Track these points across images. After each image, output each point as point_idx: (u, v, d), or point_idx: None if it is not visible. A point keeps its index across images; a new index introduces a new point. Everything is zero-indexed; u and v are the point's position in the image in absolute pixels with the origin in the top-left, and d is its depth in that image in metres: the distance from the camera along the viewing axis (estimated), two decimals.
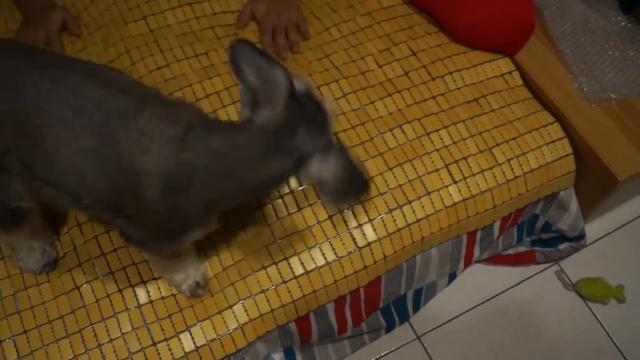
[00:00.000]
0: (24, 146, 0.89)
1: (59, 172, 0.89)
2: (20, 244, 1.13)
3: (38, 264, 1.16)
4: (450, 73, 1.44)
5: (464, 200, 1.30)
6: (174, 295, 1.17)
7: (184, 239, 0.99)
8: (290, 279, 1.19)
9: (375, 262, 1.24)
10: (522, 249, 1.64)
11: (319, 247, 1.21)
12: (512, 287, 1.62)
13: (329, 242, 1.22)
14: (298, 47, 1.45)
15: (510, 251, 1.64)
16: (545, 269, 1.66)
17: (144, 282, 1.18)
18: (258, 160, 0.88)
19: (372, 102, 1.38)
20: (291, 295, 1.19)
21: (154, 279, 1.18)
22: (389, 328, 1.48)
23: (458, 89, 1.43)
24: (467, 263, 1.48)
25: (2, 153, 0.91)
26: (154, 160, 0.86)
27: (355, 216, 1.24)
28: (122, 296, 1.16)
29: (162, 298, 1.17)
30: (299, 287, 1.19)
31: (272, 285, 1.19)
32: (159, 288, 1.18)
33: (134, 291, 1.17)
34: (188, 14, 1.47)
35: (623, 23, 1.59)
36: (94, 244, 1.20)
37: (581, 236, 1.59)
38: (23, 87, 0.87)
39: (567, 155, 1.42)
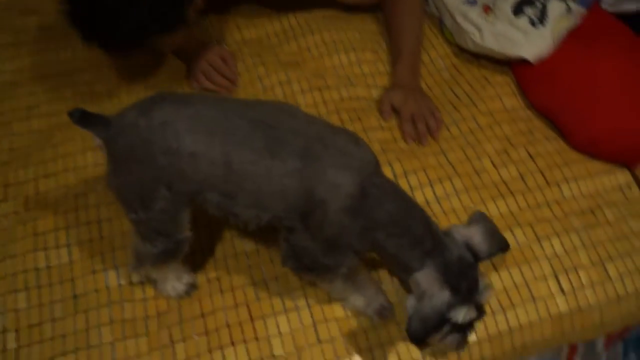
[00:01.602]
0: (231, 182, 1.02)
1: (266, 194, 1.03)
2: (166, 275, 1.23)
3: (185, 289, 1.26)
4: (567, 181, 1.45)
5: (571, 312, 1.28)
6: None
7: (342, 260, 1.09)
8: None
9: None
10: None
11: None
12: None
13: None
14: (439, 134, 1.52)
15: None
16: None
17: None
18: (419, 236, 1.03)
19: (484, 202, 1.40)
20: None
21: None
22: None
23: (573, 197, 1.43)
24: None
25: (205, 190, 1.04)
26: (355, 174, 1.01)
27: None
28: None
29: None
30: None
31: None
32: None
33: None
34: (317, 97, 1.58)
35: None
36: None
37: None
38: (228, 132, 1.01)
39: None
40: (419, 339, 1.01)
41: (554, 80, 1.53)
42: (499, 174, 1.46)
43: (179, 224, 1.12)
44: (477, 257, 1.06)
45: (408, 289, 1.15)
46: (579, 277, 1.31)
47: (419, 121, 1.51)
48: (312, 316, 1.24)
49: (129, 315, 1.24)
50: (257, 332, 1.22)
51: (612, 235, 1.38)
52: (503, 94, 1.61)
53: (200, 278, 1.29)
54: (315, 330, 1.23)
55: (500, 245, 1.10)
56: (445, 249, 1.03)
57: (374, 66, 1.67)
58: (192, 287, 1.27)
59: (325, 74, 1.63)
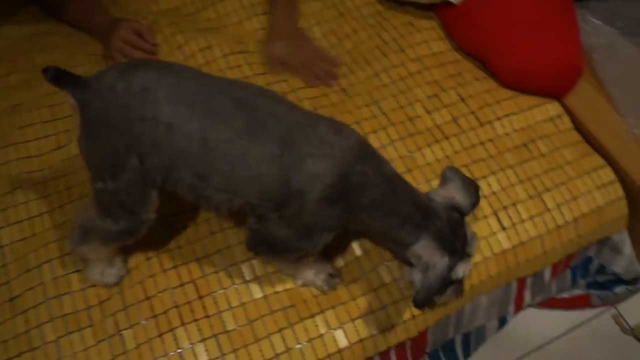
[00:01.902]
0: (205, 161, 0.99)
1: (240, 177, 1.00)
2: (102, 258, 1.19)
3: (115, 277, 1.22)
4: (499, 118, 1.46)
5: (514, 247, 1.30)
6: None
7: (319, 241, 1.09)
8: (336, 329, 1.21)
9: (423, 312, 1.24)
10: (577, 292, 1.62)
11: (366, 295, 1.23)
12: (567, 332, 1.59)
13: (376, 291, 1.24)
14: (337, 71, 1.52)
15: (565, 294, 1.61)
16: (602, 313, 1.63)
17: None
18: (407, 215, 1.05)
19: (420, 149, 1.40)
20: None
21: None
22: None
23: (507, 134, 1.44)
24: (518, 307, 1.47)
25: (177, 167, 1.00)
26: (335, 164, 1.00)
27: (401, 266, 1.26)
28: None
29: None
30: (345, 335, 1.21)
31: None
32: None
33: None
34: (240, 60, 1.54)
35: None
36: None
37: (637, 279, 1.56)
38: (210, 109, 0.98)
39: (618, 199, 1.40)
40: (425, 306, 1.06)
41: (477, 20, 1.52)
42: (432, 119, 1.45)
43: (146, 202, 1.07)
44: (462, 213, 1.09)
45: (401, 259, 1.20)
46: (518, 211, 1.33)
47: (313, 65, 1.50)
48: (261, 288, 1.23)
49: (69, 309, 1.20)
50: (207, 309, 1.21)
51: (546, 166, 1.39)
52: (430, 38, 1.60)
53: (138, 258, 1.26)
54: (267, 301, 1.22)
55: (477, 192, 1.14)
56: (435, 217, 1.05)
57: None
58: (122, 278, 1.23)
59: (247, 38, 1.59)
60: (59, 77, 1.00)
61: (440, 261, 1.02)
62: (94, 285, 1.22)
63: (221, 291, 1.23)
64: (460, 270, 1.07)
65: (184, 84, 1.00)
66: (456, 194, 1.10)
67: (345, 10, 1.65)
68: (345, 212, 1.03)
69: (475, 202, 1.12)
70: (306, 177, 0.99)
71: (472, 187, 1.12)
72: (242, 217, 1.16)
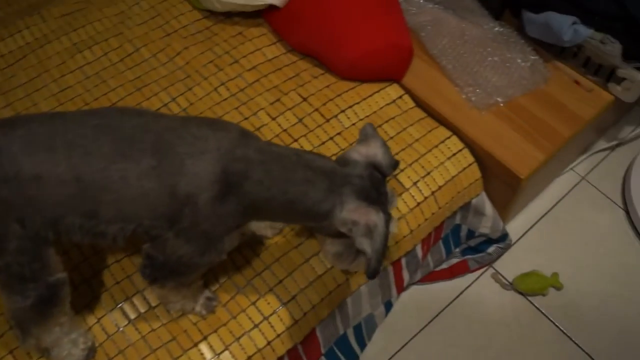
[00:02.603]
0: (88, 198, 0.92)
1: (128, 201, 0.94)
2: (59, 338, 1.08)
3: (82, 353, 1.12)
4: (343, 111, 1.47)
5: None
6: None
7: (224, 247, 1.03)
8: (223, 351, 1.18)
9: (305, 313, 1.23)
10: (454, 260, 1.67)
11: (246, 311, 1.21)
12: (453, 300, 1.64)
13: (254, 304, 1.22)
14: None
15: (444, 265, 1.66)
16: (481, 275, 1.69)
17: None
18: (305, 181, 0.97)
19: None
20: None
21: None
22: None
23: (353, 124, 1.46)
24: (400, 289, 1.49)
25: (63, 215, 0.93)
26: (213, 158, 0.94)
27: (274, 273, 1.24)
28: None
29: None
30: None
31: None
32: None
33: None
34: None
35: (496, 29, 1.66)
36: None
37: (505, 236, 1.63)
38: (72, 144, 0.92)
39: (470, 165, 1.46)
40: (377, 272, 0.97)
41: (303, 18, 1.54)
42: (278, 124, 1.45)
43: (45, 263, 0.98)
44: (382, 173, 1.03)
45: (325, 237, 1.08)
46: None
47: None
48: (137, 330, 1.17)
49: None
50: None
51: (397, 148, 1.43)
52: (262, 45, 1.60)
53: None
54: (146, 341, 1.16)
55: (393, 156, 1.07)
56: (354, 177, 0.98)
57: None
58: (92, 350, 1.14)
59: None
60: None
61: (379, 219, 0.95)
62: None
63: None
64: (394, 226, 1.02)
65: (36, 131, 0.93)
66: (378, 151, 1.03)
67: (172, 30, 1.62)
68: (240, 204, 0.97)
69: (395, 163, 1.07)
70: (189, 179, 0.94)
71: (389, 149, 1.06)
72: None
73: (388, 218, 0.97)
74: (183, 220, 0.96)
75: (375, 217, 0.95)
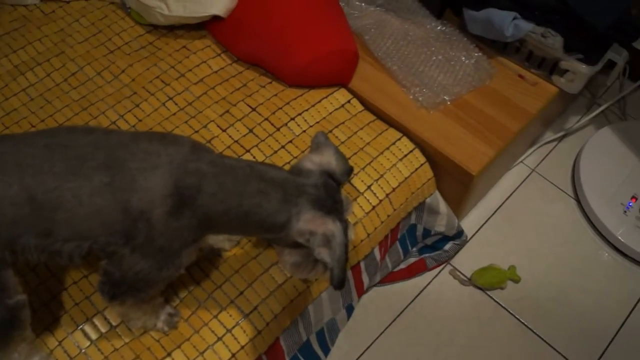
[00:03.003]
0: (42, 217, 0.91)
1: (82, 219, 0.93)
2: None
3: None
4: (293, 119, 1.47)
5: None
6: None
7: (181, 262, 1.01)
8: None
9: (267, 323, 1.23)
10: (412, 260, 1.68)
11: (209, 325, 1.19)
12: (413, 300, 1.65)
13: (216, 317, 1.20)
14: None
15: (402, 265, 1.67)
16: (439, 272, 1.71)
17: None
18: (259, 193, 0.96)
19: None
20: None
21: None
22: None
23: (304, 131, 1.46)
24: (360, 292, 1.50)
25: (17, 236, 0.92)
26: (165, 172, 0.93)
27: (234, 285, 1.23)
28: None
29: None
30: None
31: None
32: None
33: None
34: None
35: (439, 28, 1.68)
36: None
37: (460, 232, 1.65)
38: (23, 165, 0.91)
39: (422, 165, 1.47)
40: (344, 282, 0.97)
41: (247, 28, 1.53)
42: (229, 135, 1.44)
43: (4, 285, 0.96)
44: (337, 180, 1.02)
45: (283, 247, 1.07)
46: None
47: None
48: (100, 350, 1.15)
49: None
50: None
51: (349, 153, 1.43)
52: (207, 57, 1.59)
53: None
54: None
55: (347, 162, 1.07)
56: (309, 187, 0.97)
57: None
58: None
59: None
60: None
61: (336, 228, 0.95)
62: None
63: None
64: (352, 233, 1.02)
65: None
66: (331, 159, 1.02)
67: (115, 47, 1.60)
68: (194, 218, 0.95)
69: (349, 169, 1.06)
70: (142, 195, 0.93)
71: (343, 155, 1.06)
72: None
73: (345, 226, 0.97)
74: (138, 236, 0.95)
75: (332, 226, 0.95)
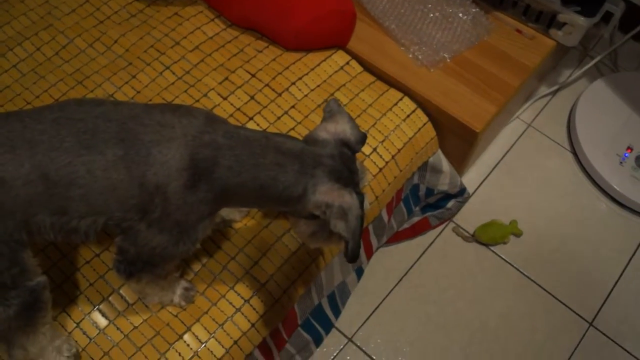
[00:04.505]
0: (57, 195, 0.89)
1: (97, 194, 0.91)
2: (44, 347, 1.04)
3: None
4: (293, 83, 1.45)
5: None
6: None
7: (197, 236, 0.99)
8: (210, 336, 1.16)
9: (284, 291, 1.23)
10: (415, 219, 1.69)
11: (226, 297, 1.19)
12: (418, 258, 1.67)
13: (233, 289, 1.20)
14: None
15: (406, 225, 1.68)
16: (443, 230, 1.72)
17: None
18: (275, 165, 0.94)
19: None
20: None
21: None
22: (317, 341, 1.48)
23: (306, 96, 1.44)
24: (369, 254, 1.51)
25: (33, 215, 0.90)
26: (180, 145, 0.91)
27: (248, 255, 1.23)
28: None
29: None
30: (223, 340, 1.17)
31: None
32: None
33: None
34: None
35: None
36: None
37: (463, 190, 1.66)
38: (33, 142, 0.88)
39: (424, 125, 1.46)
40: (358, 255, 0.95)
41: None
42: (230, 103, 1.41)
43: (23, 267, 0.94)
44: (353, 150, 1.00)
45: (299, 220, 1.05)
46: None
47: None
48: (119, 329, 1.14)
49: None
50: None
51: (352, 115, 1.41)
52: (201, 24, 1.55)
53: None
54: (130, 340, 1.13)
55: (360, 130, 1.03)
56: (325, 157, 0.95)
57: None
58: (77, 357, 1.10)
59: None
60: None
61: (353, 200, 0.93)
62: None
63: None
64: (367, 203, 0.99)
65: None
66: (346, 127, 0.99)
67: (104, 17, 1.55)
68: (210, 192, 0.93)
69: (363, 137, 1.02)
70: (157, 168, 0.90)
71: (356, 123, 1.03)
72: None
73: (362, 198, 0.96)
74: (154, 211, 0.93)
75: (349, 199, 0.93)
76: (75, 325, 1.14)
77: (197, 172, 0.92)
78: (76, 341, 1.12)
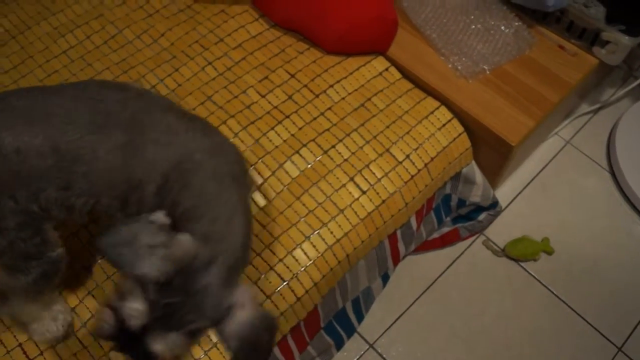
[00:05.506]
0: (64, 169, 0.91)
1: (97, 175, 0.93)
2: (40, 313, 1.08)
3: (61, 329, 1.12)
4: (331, 86, 1.47)
5: (377, 207, 1.32)
6: None
7: None
8: None
9: (306, 291, 1.24)
10: (445, 229, 1.68)
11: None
12: (446, 269, 1.66)
13: (256, 283, 1.21)
14: None
15: (436, 234, 1.67)
16: (473, 242, 1.71)
17: None
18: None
19: (265, 134, 1.38)
20: None
21: None
22: (339, 344, 1.49)
23: (343, 99, 1.45)
24: (396, 261, 1.51)
25: (39, 192, 0.92)
26: (176, 153, 0.93)
27: (274, 252, 1.24)
28: None
29: None
30: None
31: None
32: None
33: None
34: None
35: None
36: None
37: (495, 203, 1.64)
38: (50, 114, 0.91)
39: (460, 135, 1.46)
40: None
41: None
42: (268, 101, 1.44)
43: (45, 238, 0.97)
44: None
45: None
46: (372, 172, 1.34)
47: None
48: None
49: None
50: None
51: (387, 121, 1.42)
52: (245, 22, 1.58)
53: None
54: None
55: None
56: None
57: None
58: (70, 326, 1.13)
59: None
60: None
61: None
62: None
63: None
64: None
65: (14, 104, 0.92)
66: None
67: (153, 11, 1.59)
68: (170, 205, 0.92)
69: None
70: (145, 166, 0.92)
71: None
72: None
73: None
74: (131, 206, 0.95)
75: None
76: (79, 301, 1.18)
77: (166, 182, 0.92)
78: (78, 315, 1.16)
